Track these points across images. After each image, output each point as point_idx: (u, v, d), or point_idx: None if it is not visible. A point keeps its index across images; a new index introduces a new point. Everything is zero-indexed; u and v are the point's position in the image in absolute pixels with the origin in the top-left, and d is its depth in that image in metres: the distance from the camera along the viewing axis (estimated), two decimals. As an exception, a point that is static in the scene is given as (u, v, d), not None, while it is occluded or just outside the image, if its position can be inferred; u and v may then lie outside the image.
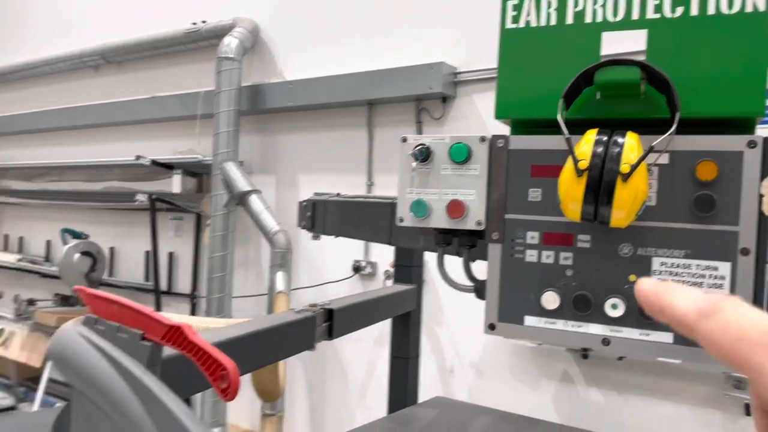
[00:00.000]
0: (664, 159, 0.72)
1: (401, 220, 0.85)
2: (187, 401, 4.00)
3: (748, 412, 2.37)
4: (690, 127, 0.72)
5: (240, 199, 3.49)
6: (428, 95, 3.09)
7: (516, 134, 0.84)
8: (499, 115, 0.83)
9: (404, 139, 0.85)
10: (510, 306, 0.80)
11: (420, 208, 0.83)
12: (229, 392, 0.91)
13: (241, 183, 3.48)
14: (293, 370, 3.67)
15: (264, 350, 1.39)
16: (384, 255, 3.21)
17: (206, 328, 1.45)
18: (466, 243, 0.86)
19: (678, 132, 0.70)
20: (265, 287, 3.67)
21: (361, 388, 3.42)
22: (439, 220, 0.83)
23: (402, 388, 2.32)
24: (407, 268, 2.29)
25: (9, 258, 5.24)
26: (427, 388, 2.56)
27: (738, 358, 0.28)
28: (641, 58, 0.75)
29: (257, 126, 3.92)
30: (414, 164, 0.83)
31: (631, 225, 0.72)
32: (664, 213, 0.72)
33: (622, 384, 2.66)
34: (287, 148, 3.82)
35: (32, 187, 5.37)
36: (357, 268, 3.38)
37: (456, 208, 0.81)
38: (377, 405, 3.20)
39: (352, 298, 1.95)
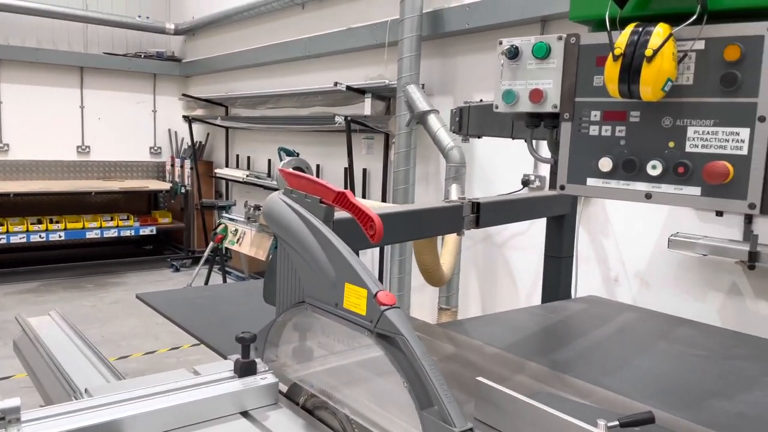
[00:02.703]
0: (701, 45, 0.88)
1: (496, 107, 1.11)
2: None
3: None
4: (723, 18, 0.86)
5: (420, 119, 3.85)
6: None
7: (594, 32, 1.03)
8: (573, 16, 1.03)
9: (500, 42, 1.09)
10: (576, 171, 1.03)
11: (509, 96, 1.07)
12: (375, 237, 1.29)
13: (421, 103, 3.82)
14: (467, 273, 4.05)
15: (416, 225, 1.74)
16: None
17: (372, 206, 1.84)
18: (549, 124, 1.09)
19: (712, 22, 0.86)
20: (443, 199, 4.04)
21: (529, 291, 3.69)
22: (525, 105, 1.07)
23: (555, 285, 2.55)
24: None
25: (240, 174, 6.33)
26: (592, 294, 2.74)
27: None
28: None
29: (437, 50, 4.19)
30: (504, 61, 1.07)
31: (672, 101, 0.90)
32: (698, 90, 0.89)
33: (796, 299, 2.57)
34: (465, 69, 4.05)
35: (255, 114, 6.33)
36: (526, 182, 3.58)
37: (536, 95, 1.04)
38: (543, 308, 3.45)
39: (501, 196, 2.21)
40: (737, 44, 0.84)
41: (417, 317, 4.35)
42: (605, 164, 0.98)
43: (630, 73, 0.86)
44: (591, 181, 1.01)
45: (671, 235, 2.82)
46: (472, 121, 1.72)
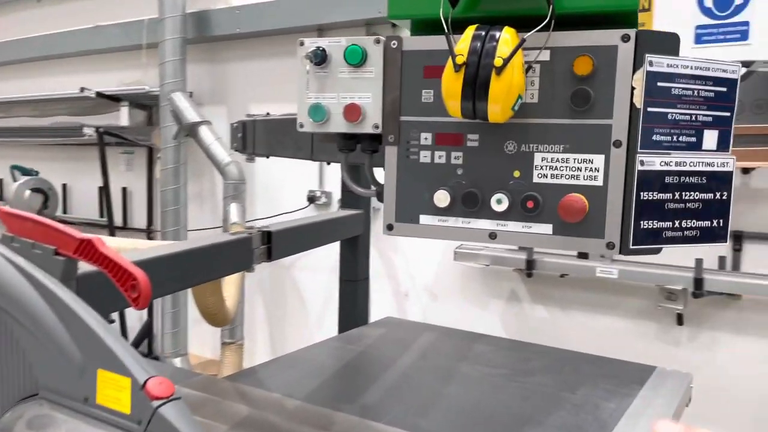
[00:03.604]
0: (545, 56, 0.74)
1: (301, 126, 0.86)
2: (149, 332, 3.96)
3: (680, 322, 2.51)
4: (571, 24, 0.73)
5: (190, 131, 3.43)
6: (378, 20, 3.03)
7: (414, 35, 0.84)
8: (392, 14, 0.83)
9: (301, 43, 0.85)
10: (406, 206, 0.82)
11: (318, 112, 0.83)
12: (140, 301, 0.93)
13: (190, 114, 3.41)
14: (253, 300, 3.73)
15: (195, 269, 1.41)
16: (338, 184, 3.22)
17: (134, 249, 1.46)
18: (367, 148, 0.87)
19: (559, 29, 0.71)
20: (221, 220, 3.66)
21: (320, 314, 3.51)
22: (338, 124, 0.84)
23: (352, 310, 2.39)
24: (355, 194, 2.31)
25: (-41, 198, 5.11)
26: (384, 311, 2.64)
27: None
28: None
29: (206, 55, 3.81)
30: (310, 67, 0.83)
31: (515, 122, 0.75)
32: (545, 109, 0.75)
33: (564, 300, 2.78)
34: (238, 77, 3.74)
35: (-23, 124, 5.19)
36: (312, 198, 3.40)
37: (353, 112, 0.82)
38: (335, 330, 3.30)
39: (294, 222, 1.97)
40: (588, 56, 0.71)
41: (198, 354, 3.90)
42: (442, 198, 0.79)
43: (475, 87, 0.68)
44: (425, 219, 0.82)
45: (456, 248, 2.86)
46: (258, 139, 1.45)
